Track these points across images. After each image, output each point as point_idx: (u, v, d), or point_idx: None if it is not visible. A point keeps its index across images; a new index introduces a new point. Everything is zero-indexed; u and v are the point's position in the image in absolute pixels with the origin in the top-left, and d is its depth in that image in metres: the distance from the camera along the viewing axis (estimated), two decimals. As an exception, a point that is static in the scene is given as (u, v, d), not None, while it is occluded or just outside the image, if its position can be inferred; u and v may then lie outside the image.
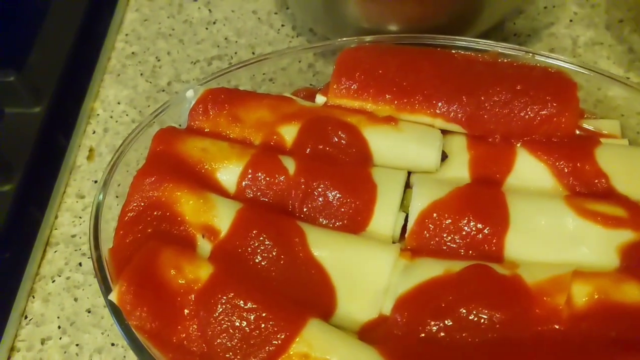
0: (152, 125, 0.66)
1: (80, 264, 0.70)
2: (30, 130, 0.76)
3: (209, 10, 0.89)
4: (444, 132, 0.64)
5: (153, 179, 0.60)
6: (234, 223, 0.58)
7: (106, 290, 0.55)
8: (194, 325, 0.53)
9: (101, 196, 0.61)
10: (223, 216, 0.59)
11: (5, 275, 0.68)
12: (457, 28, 0.69)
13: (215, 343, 0.52)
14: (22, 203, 0.72)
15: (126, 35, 0.88)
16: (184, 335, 0.53)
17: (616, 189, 0.60)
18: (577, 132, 0.64)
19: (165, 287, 0.54)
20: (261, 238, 0.57)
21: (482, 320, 0.52)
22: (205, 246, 0.58)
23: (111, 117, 0.81)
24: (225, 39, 0.86)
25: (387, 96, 0.64)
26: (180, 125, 0.69)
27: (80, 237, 0.72)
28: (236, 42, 0.86)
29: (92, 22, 0.87)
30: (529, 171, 0.62)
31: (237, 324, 0.53)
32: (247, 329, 0.52)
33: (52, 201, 0.74)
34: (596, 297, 0.52)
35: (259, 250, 0.57)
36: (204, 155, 0.62)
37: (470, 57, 0.66)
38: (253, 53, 0.84)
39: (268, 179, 0.61)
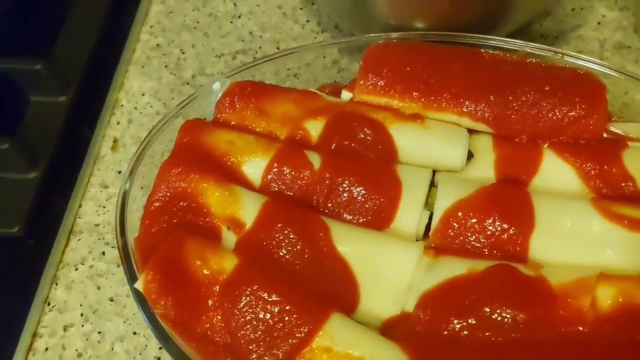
0: (177, 117, 0.66)
1: (103, 253, 0.71)
2: (55, 119, 0.77)
3: (234, 3, 0.90)
4: (470, 131, 0.64)
5: (179, 169, 0.60)
6: (259, 216, 0.58)
7: (132, 278, 0.56)
8: (218, 316, 0.54)
9: (127, 184, 0.62)
10: (248, 209, 0.59)
11: (29, 262, 0.69)
12: (483, 28, 0.69)
13: (239, 334, 0.53)
14: (46, 191, 0.73)
15: (151, 27, 0.89)
16: (208, 326, 0.54)
17: (643, 192, 0.59)
18: (605, 135, 0.63)
19: (190, 277, 0.55)
20: (286, 232, 0.57)
21: (506, 320, 0.52)
22: (230, 238, 0.58)
23: (135, 108, 0.82)
24: (250, 33, 0.87)
25: (414, 93, 0.64)
26: (204, 118, 0.69)
27: (103, 227, 0.73)
28: (261, 36, 0.86)
29: (118, 12, 0.88)
30: (555, 173, 0.62)
31: (261, 316, 0.53)
32: (270, 321, 0.53)
33: (76, 190, 0.74)
34: (621, 300, 0.52)
35: (283, 244, 0.57)
36: (230, 147, 0.62)
37: (498, 57, 0.65)
38: (278, 48, 0.85)
39: (293, 173, 0.61)
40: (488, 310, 0.53)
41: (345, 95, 0.67)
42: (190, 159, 0.61)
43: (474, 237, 0.58)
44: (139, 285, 0.54)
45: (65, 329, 0.66)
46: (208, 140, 0.63)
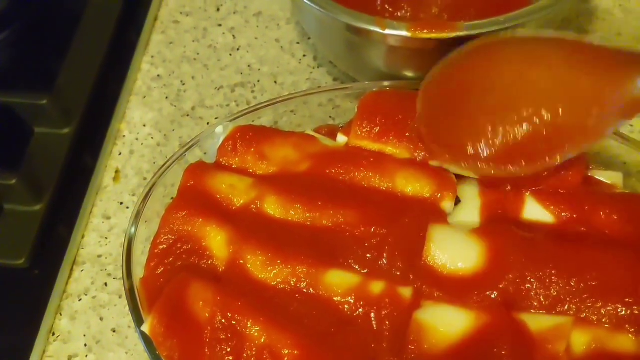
0: (182, 158, 0.69)
1: (105, 284, 0.74)
2: (59, 151, 0.79)
3: (233, 36, 0.93)
4: (457, 176, 0.68)
5: (184, 213, 0.63)
6: (257, 260, 0.62)
7: (138, 321, 0.59)
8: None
9: (133, 229, 0.65)
10: (248, 252, 0.62)
11: (35, 293, 0.72)
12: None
13: (238, 375, 0.57)
14: (51, 223, 0.76)
15: (152, 57, 0.91)
16: (209, 365, 0.57)
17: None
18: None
19: (193, 319, 0.58)
20: (283, 276, 0.61)
21: (490, 362, 0.57)
22: (231, 280, 0.62)
23: (137, 139, 0.84)
24: (249, 66, 0.89)
25: (405, 141, 0.68)
26: (205, 154, 0.73)
27: (106, 258, 0.76)
28: (259, 70, 0.89)
29: (120, 41, 0.90)
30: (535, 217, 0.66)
31: (258, 357, 0.57)
32: (266, 362, 0.57)
33: (79, 221, 0.77)
34: (594, 346, 0.57)
35: (280, 287, 0.61)
36: (231, 191, 0.66)
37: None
38: (275, 82, 0.88)
39: (291, 217, 0.65)
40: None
41: (341, 138, 0.71)
42: (194, 202, 0.64)
43: (459, 281, 0.62)
44: (145, 328, 0.57)
45: (69, 359, 0.69)
46: (210, 183, 0.66)
